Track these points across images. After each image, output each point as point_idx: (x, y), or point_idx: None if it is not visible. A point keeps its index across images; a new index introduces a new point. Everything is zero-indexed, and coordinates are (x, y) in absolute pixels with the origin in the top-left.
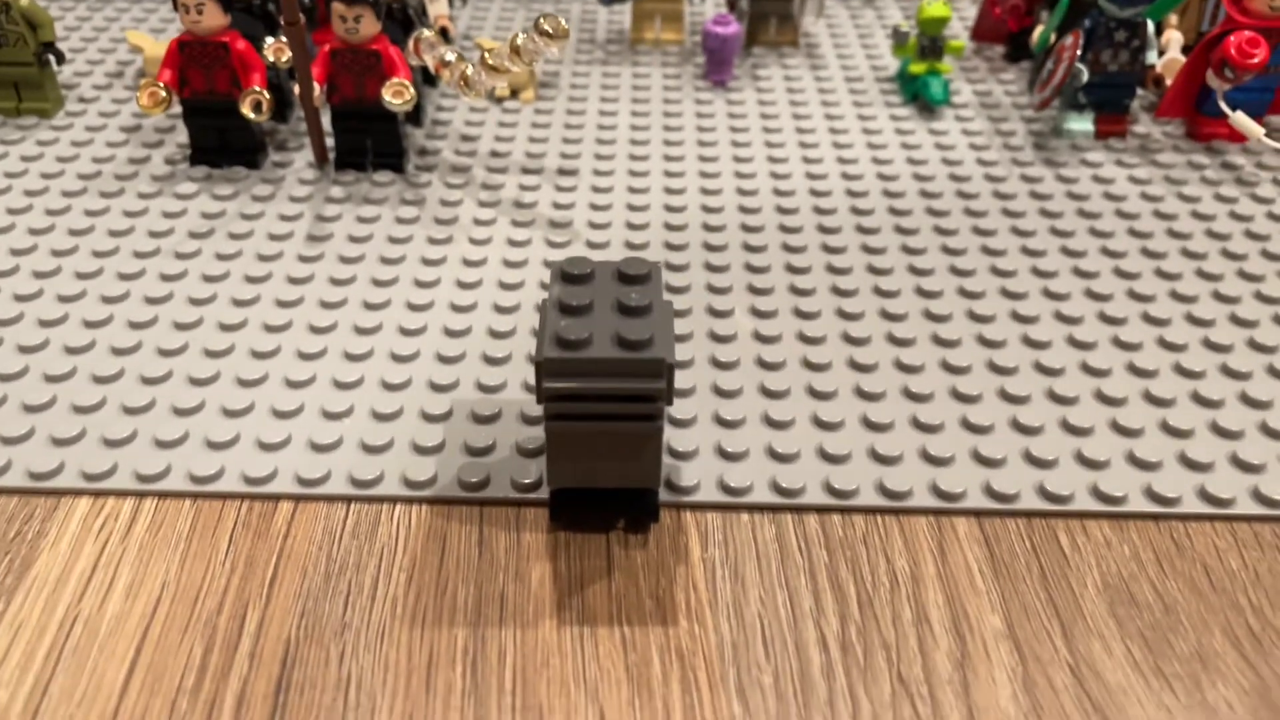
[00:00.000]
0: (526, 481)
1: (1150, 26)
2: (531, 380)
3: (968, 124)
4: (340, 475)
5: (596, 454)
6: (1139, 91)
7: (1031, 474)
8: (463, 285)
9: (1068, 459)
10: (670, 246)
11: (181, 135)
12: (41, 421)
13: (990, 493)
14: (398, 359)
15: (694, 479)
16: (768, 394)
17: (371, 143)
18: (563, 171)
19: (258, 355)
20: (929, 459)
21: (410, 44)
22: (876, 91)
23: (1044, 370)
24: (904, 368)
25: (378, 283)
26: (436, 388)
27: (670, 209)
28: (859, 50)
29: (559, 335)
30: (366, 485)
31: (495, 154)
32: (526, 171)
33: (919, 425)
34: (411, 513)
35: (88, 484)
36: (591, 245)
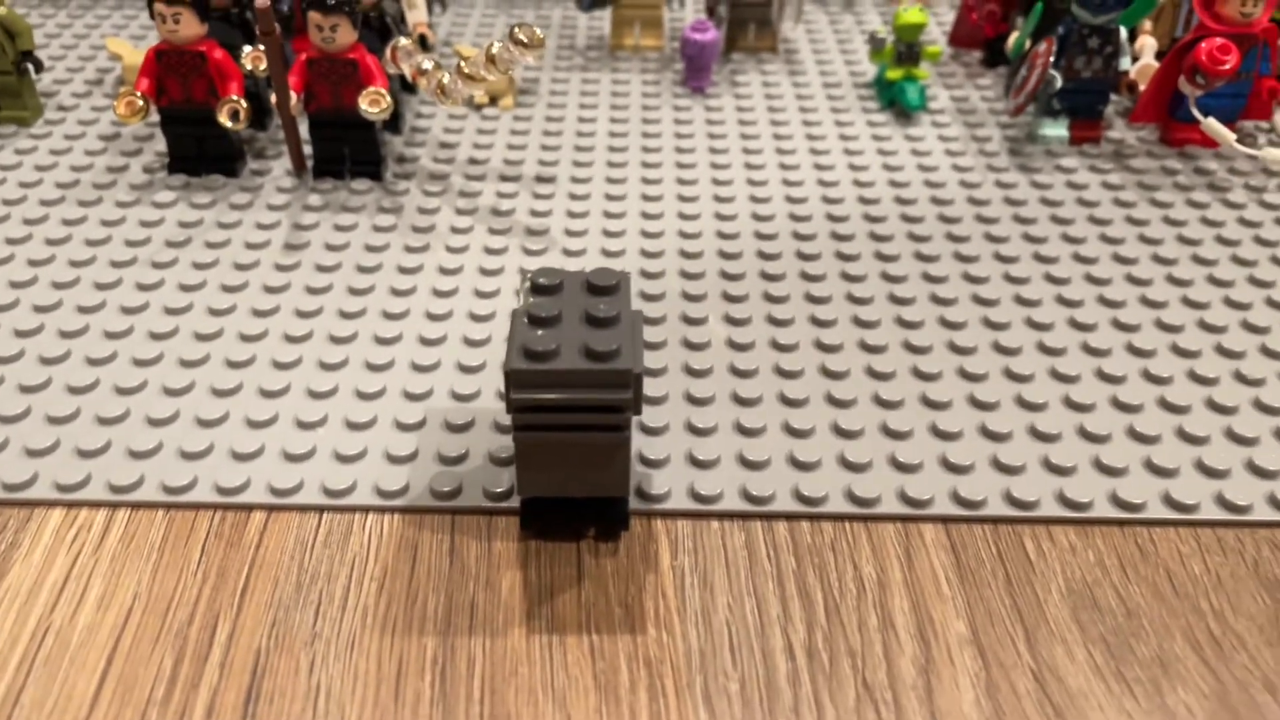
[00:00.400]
0: (498, 490)
1: (1123, 33)
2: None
3: (944, 130)
4: (313, 485)
5: (565, 464)
6: (1113, 97)
7: (999, 480)
8: (439, 294)
9: (1035, 465)
10: (645, 254)
11: (160, 144)
12: (15, 433)
13: (958, 499)
14: (372, 368)
15: (665, 487)
16: (740, 402)
17: (349, 151)
18: (540, 179)
19: (232, 365)
20: (898, 466)
21: (387, 52)
22: (854, 97)
23: (1013, 376)
24: (875, 374)
25: (354, 291)
26: (410, 396)
27: (646, 216)
28: (838, 56)
29: (526, 346)
30: (339, 495)
31: (473, 161)
32: (504, 179)
33: (889, 432)
34: (383, 522)
35: (61, 495)
36: (568, 253)
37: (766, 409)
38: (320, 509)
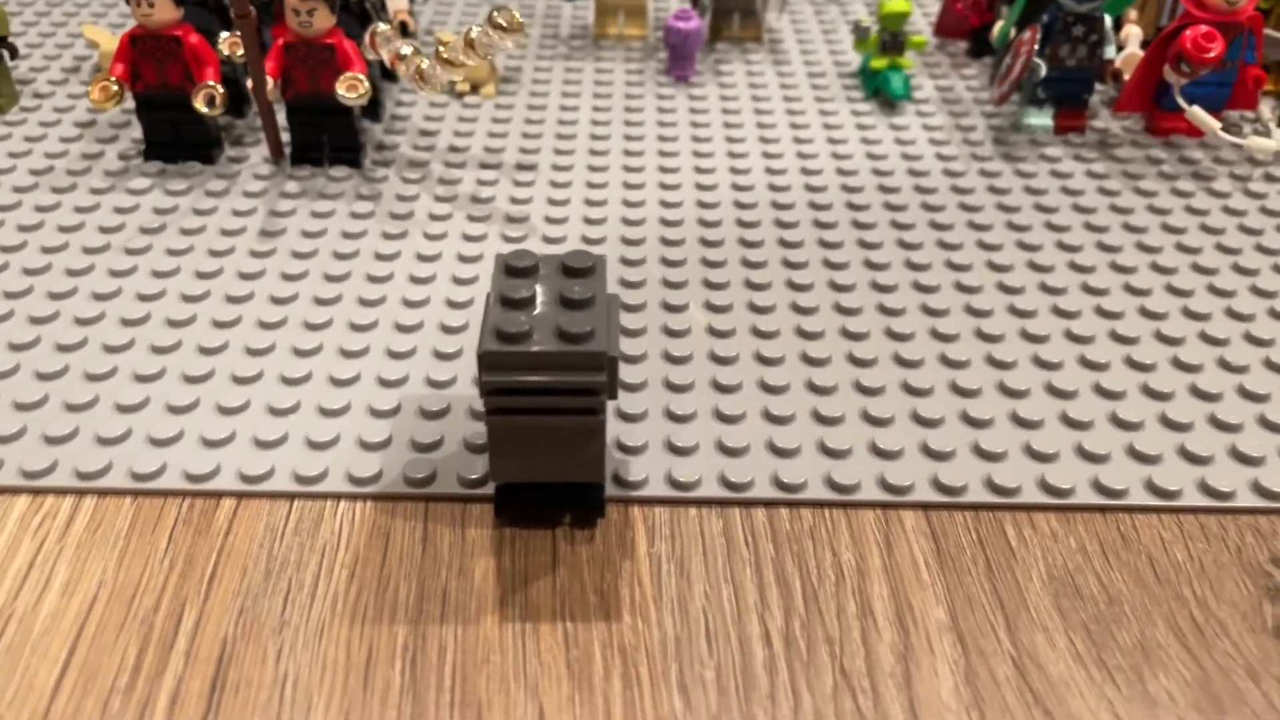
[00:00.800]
0: (473, 477)
1: (1108, 21)
2: None
3: (928, 119)
4: (284, 472)
5: (539, 448)
6: (1097, 87)
7: (980, 467)
8: (416, 280)
9: (1016, 452)
10: (627, 241)
11: (137, 130)
12: None
13: (938, 486)
14: (347, 355)
15: (642, 474)
16: (719, 388)
17: (327, 137)
18: (521, 167)
19: (204, 351)
20: (878, 452)
21: (366, 38)
22: (839, 87)
23: (996, 364)
24: (856, 361)
25: (330, 278)
26: (385, 383)
27: (628, 204)
28: (822, 46)
29: (498, 328)
30: (310, 482)
31: (454, 149)
32: (485, 166)
33: (869, 419)
34: (356, 509)
35: (26, 482)
36: (548, 240)
37: (746, 396)
38: (291, 496)
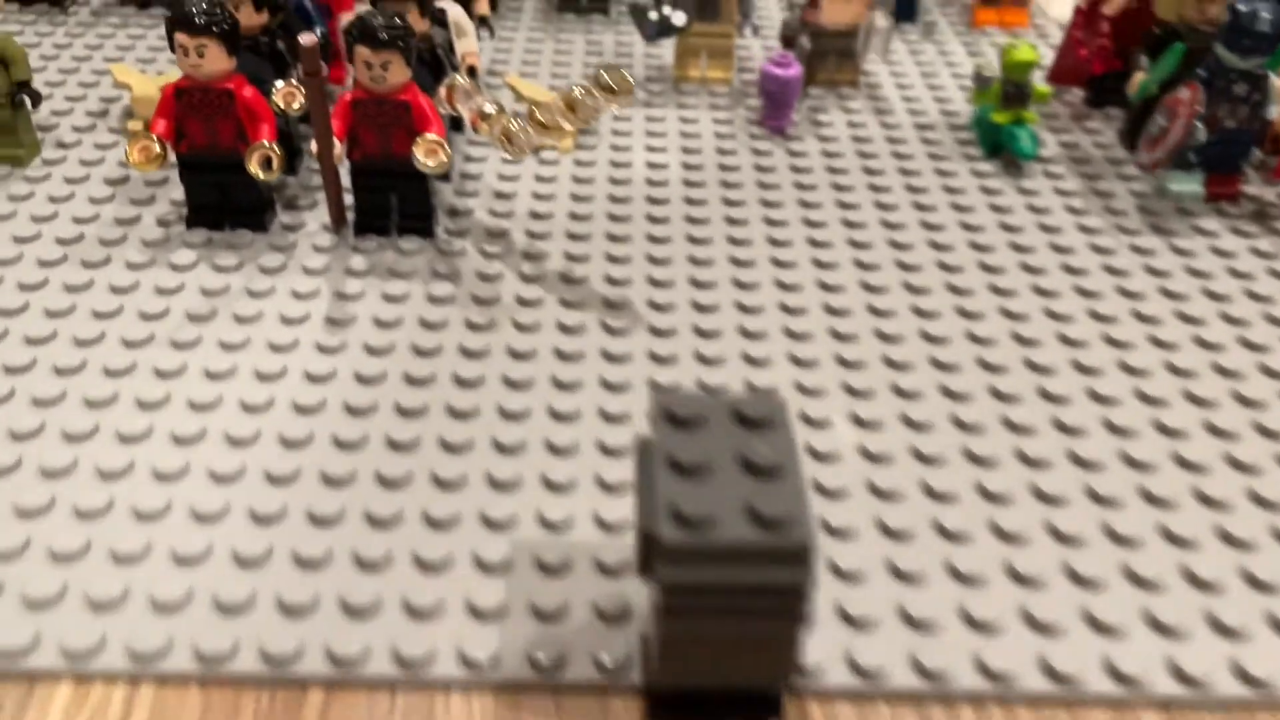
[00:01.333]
0: (611, 663)
1: (1273, 79)
2: (605, 514)
3: (1059, 182)
4: (382, 651)
5: (717, 651)
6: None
7: (1222, 648)
8: (511, 384)
9: (1259, 625)
10: (745, 334)
11: (175, 189)
12: (11, 575)
13: (1177, 674)
14: (443, 486)
15: (816, 655)
16: (889, 534)
17: (396, 203)
18: (613, 237)
19: (274, 481)
20: (1096, 626)
21: (442, 92)
22: (952, 142)
23: (1206, 501)
24: (1045, 498)
25: (412, 381)
26: (490, 524)
27: (740, 285)
28: (925, 92)
29: (677, 510)
30: (415, 666)
31: (535, 215)
32: (572, 237)
33: (1076, 578)
34: (472, 703)
35: (70, 665)
36: (655, 332)
37: (923, 544)
38: (392, 684)
